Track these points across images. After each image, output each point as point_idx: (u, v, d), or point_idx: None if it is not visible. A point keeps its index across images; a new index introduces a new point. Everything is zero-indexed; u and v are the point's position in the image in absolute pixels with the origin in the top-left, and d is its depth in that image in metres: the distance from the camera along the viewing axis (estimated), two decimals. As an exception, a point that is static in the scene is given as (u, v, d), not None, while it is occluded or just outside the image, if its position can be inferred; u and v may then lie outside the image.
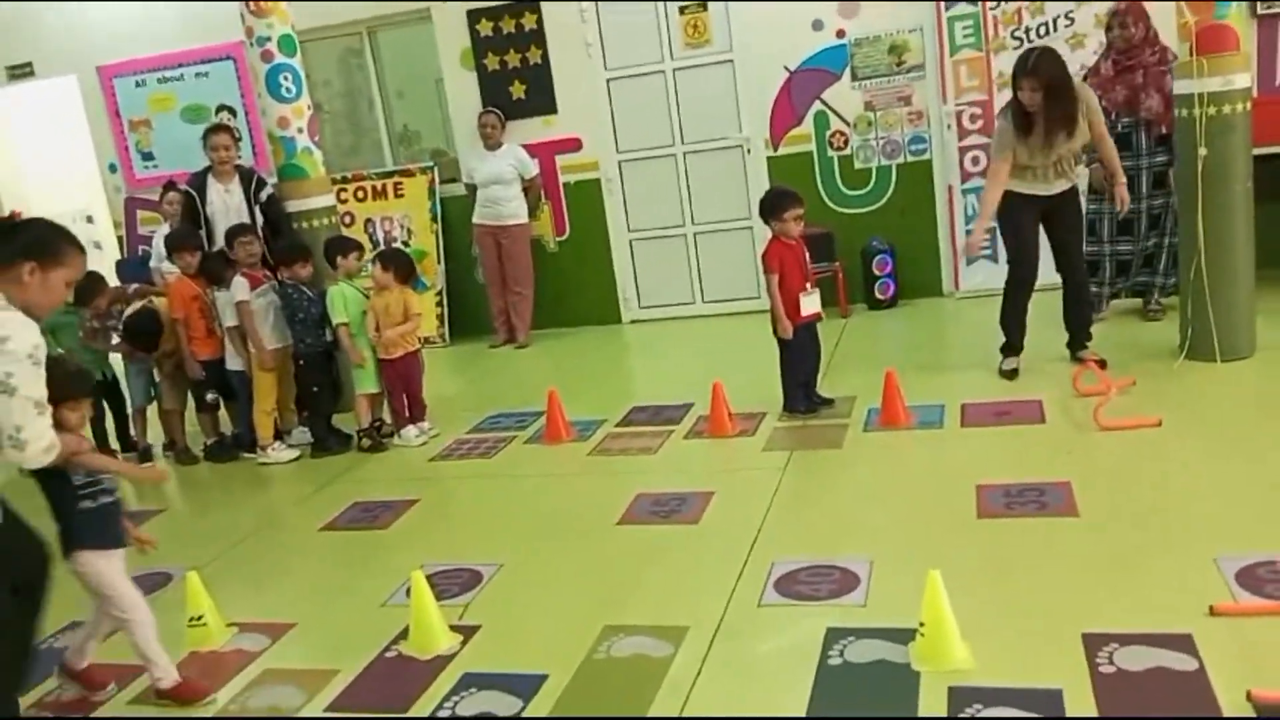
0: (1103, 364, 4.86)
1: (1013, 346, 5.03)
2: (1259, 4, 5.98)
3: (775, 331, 4.85)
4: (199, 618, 3.48)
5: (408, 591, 3.39)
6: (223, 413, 5.80)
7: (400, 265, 5.43)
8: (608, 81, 7.33)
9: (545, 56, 7.36)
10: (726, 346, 6.62)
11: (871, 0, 6.70)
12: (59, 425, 2.81)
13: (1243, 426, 4.11)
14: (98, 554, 3.00)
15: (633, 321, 7.65)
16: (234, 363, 5.50)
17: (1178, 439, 4.04)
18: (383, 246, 7.32)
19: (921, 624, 2.76)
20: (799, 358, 4.85)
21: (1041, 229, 4.96)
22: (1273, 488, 3.50)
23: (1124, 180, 4.94)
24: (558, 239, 7.66)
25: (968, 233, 5.54)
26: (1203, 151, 4.66)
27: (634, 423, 5.20)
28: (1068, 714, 2.46)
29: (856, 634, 2.93)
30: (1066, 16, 6.42)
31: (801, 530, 3.70)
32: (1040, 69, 4.61)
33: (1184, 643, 2.67)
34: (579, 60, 7.31)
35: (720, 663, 2.91)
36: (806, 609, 3.13)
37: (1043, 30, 6.48)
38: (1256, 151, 4.85)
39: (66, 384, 2.93)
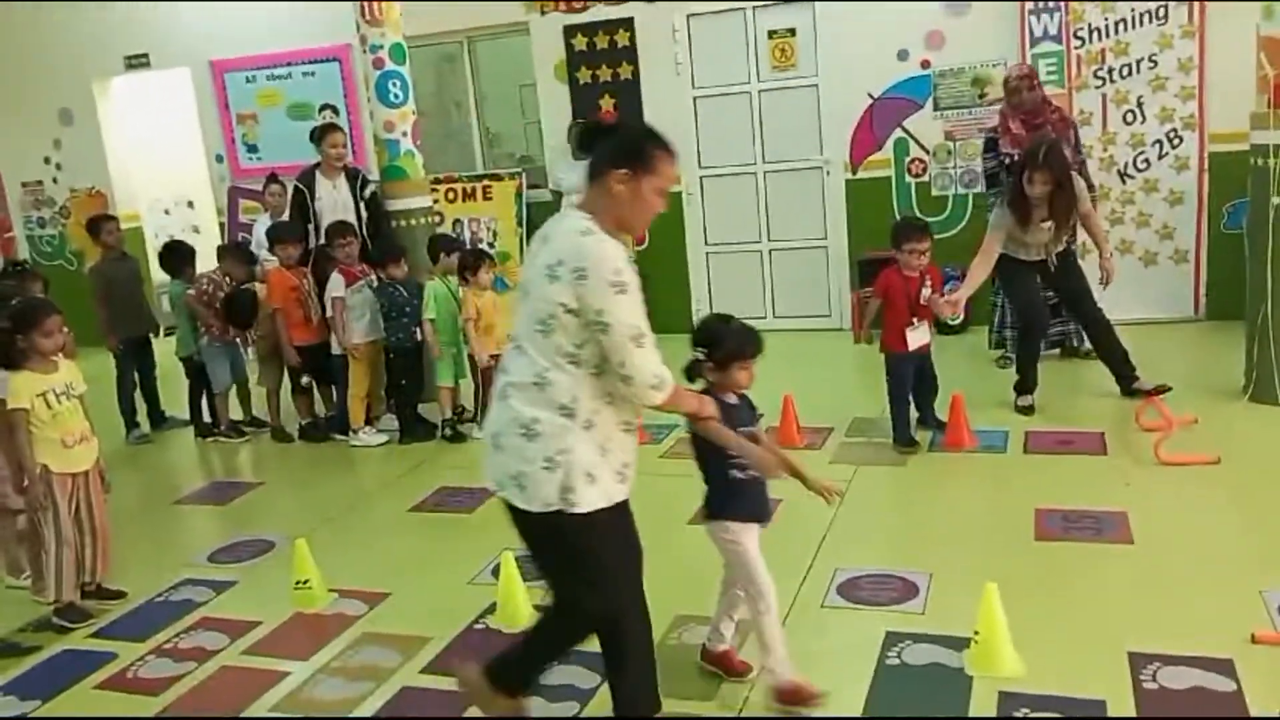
0: (1162, 390, 4.98)
1: (1027, 386, 5.22)
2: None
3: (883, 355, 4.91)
4: (305, 581, 3.80)
5: (494, 571, 3.70)
6: (317, 396, 6.16)
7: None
8: (694, 99, 7.59)
9: (636, 73, 7.64)
10: (796, 362, 6.81)
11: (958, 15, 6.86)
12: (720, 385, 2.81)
13: (1299, 469, 4.24)
14: (741, 525, 2.89)
15: (704, 332, 7.88)
16: (336, 349, 5.85)
17: (1234, 477, 4.18)
18: (468, 247, 7.64)
19: (976, 632, 2.97)
20: (900, 389, 4.88)
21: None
22: (1323, 530, 3.65)
23: (1110, 253, 5.19)
24: (637, 248, 7.93)
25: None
26: (1276, 200, 4.79)
27: (706, 429, 5.43)
28: (1109, 722, 2.66)
29: (914, 638, 3.16)
30: (1150, 59, 6.53)
31: (864, 540, 3.92)
32: (1053, 164, 4.81)
33: (1225, 666, 2.85)
34: (668, 77, 7.58)
35: (790, 655, 3.13)
36: (867, 613, 3.35)
37: (1125, 71, 6.60)
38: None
39: (743, 341, 2.88)
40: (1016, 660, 2.94)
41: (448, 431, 5.71)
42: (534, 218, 8.07)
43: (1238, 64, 5.33)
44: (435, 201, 8.03)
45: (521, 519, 2.49)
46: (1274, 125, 4.77)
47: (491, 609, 3.56)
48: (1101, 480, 4.27)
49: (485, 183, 8.25)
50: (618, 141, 2.49)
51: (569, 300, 2.35)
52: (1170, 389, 5.06)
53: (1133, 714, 2.69)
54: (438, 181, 8.12)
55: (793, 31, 7.28)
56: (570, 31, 7.74)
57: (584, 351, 2.40)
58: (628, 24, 7.59)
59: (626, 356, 2.38)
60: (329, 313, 5.75)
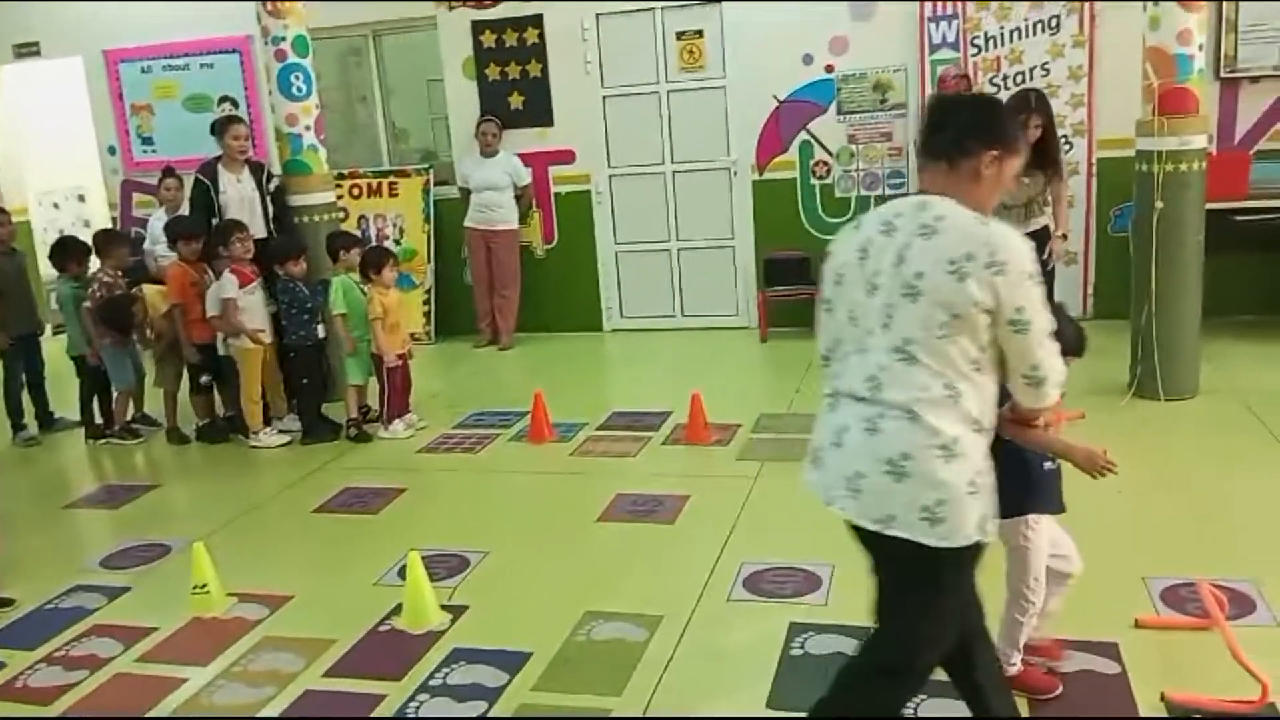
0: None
1: None
2: (1222, 69, 6.35)
3: None
4: (202, 586, 3.70)
5: (399, 572, 3.66)
6: (216, 396, 5.99)
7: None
8: (604, 98, 7.61)
9: (545, 70, 7.62)
10: (704, 359, 6.91)
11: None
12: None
13: (1179, 461, 4.45)
14: (1048, 519, 2.78)
15: (614, 330, 7.91)
16: (224, 349, 5.70)
17: (1119, 469, 4.34)
18: (373, 243, 7.52)
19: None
20: None
21: None
22: (1199, 518, 3.84)
23: (1064, 234, 5.39)
24: (546, 246, 7.92)
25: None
26: (1159, 205, 5.02)
27: (614, 427, 5.47)
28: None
29: (817, 629, 3.22)
30: (1043, 67, 6.78)
31: (770, 535, 3.98)
32: (1043, 108, 5.09)
33: (1110, 650, 2.98)
34: (577, 76, 7.58)
35: (692, 648, 3.18)
36: (772, 605, 3.41)
37: (1020, 78, 6.83)
38: (1210, 206, 5.20)
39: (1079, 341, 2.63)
40: (915, 648, 3.02)
41: (353, 431, 5.62)
42: (440, 215, 8.00)
43: (1126, 73, 5.54)
44: (339, 197, 7.89)
45: (910, 554, 2.11)
46: (1158, 132, 5.00)
47: (397, 610, 3.52)
48: (996, 473, 4.42)
49: (391, 179, 8.14)
50: (985, 118, 2.22)
51: (985, 298, 2.04)
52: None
53: (1024, 697, 2.79)
54: (342, 177, 7.98)
55: (700, 33, 7.35)
56: (479, 28, 7.69)
57: (986, 355, 2.12)
58: (537, 21, 7.57)
59: (1042, 357, 2.13)
60: (213, 313, 5.57)
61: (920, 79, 6.96)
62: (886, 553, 2.20)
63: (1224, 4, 6.25)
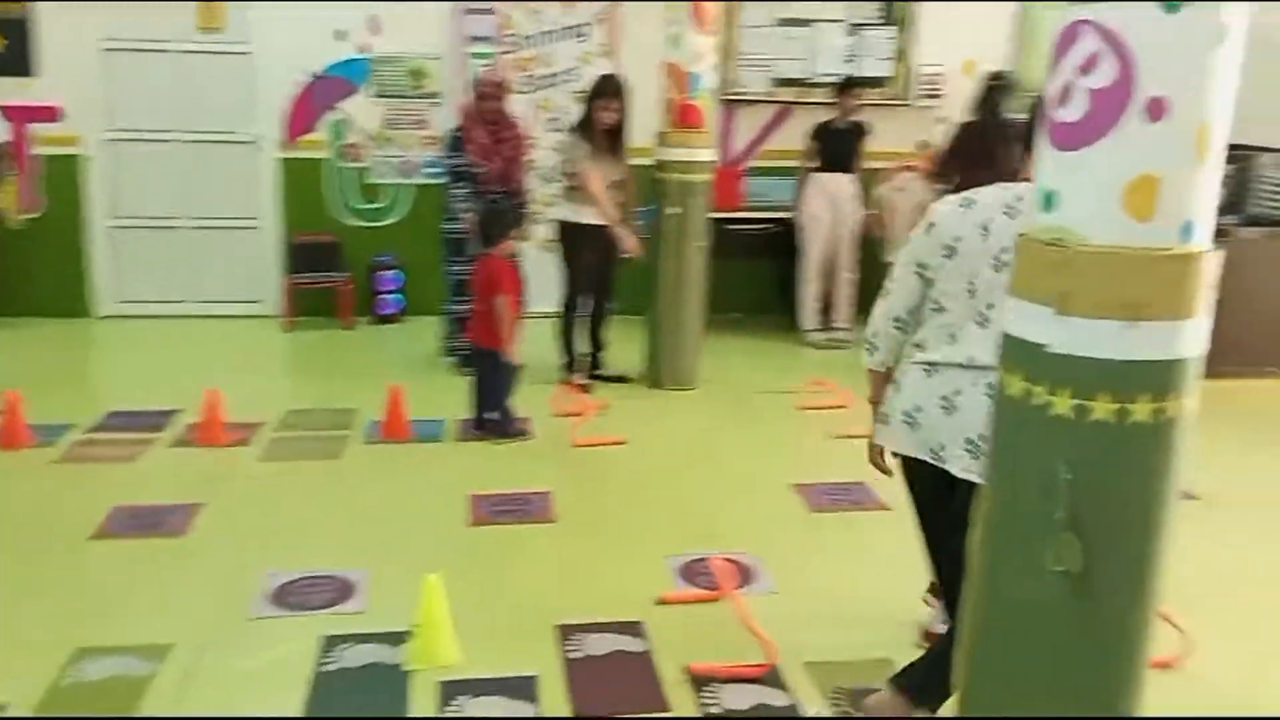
0: (586, 388, 5.42)
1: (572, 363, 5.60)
2: (723, 91, 7.04)
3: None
4: None
5: None
6: None
7: None
8: (104, 49, 6.66)
9: (28, 11, 6.50)
10: (220, 351, 6.31)
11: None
12: None
13: (686, 444, 4.84)
14: None
15: (108, 316, 6.96)
16: None
17: (638, 456, 4.65)
18: None
19: (415, 625, 2.92)
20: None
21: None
22: (706, 499, 4.18)
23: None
24: (25, 215, 6.76)
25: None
26: (673, 210, 5.43)
27: (109, 429, 4.77)
28: (541, 696, 2.77)
29: (353, 640, 3.02)
30: (572, 73, 7.07)
31: (298, 541, 3.69)
32: (622, 92, 5.33)
33: (635, 628, 3.13)
34: (71, 21, 6.55)
35: (208, 677, 2.83)
36: (302, 619, 3.15)
37: (550, 81, 7.06)
38: (713, 215, 5.73)
39: None
40: (455, 648, 2.94)
41: None
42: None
43: (650, 85, 5.89)
44: None
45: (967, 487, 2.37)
46: (673, 144, 5.40)
47: None
48: (527, 463, 4.50)
49: None
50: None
51: None
52: (629, 380, 5.62)
53: (563, 683, 2.83)
54: None
55: (218, -9, 6.70)
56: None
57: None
58: (15, -49, 6.43)
59: None
60: None
61: (458, 69, 6.93)
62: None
63: (730, 32, 6.93)
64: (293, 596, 3.27)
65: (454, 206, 5.50)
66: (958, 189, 6.07)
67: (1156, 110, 1.62)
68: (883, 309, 2.62)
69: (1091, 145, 1.66)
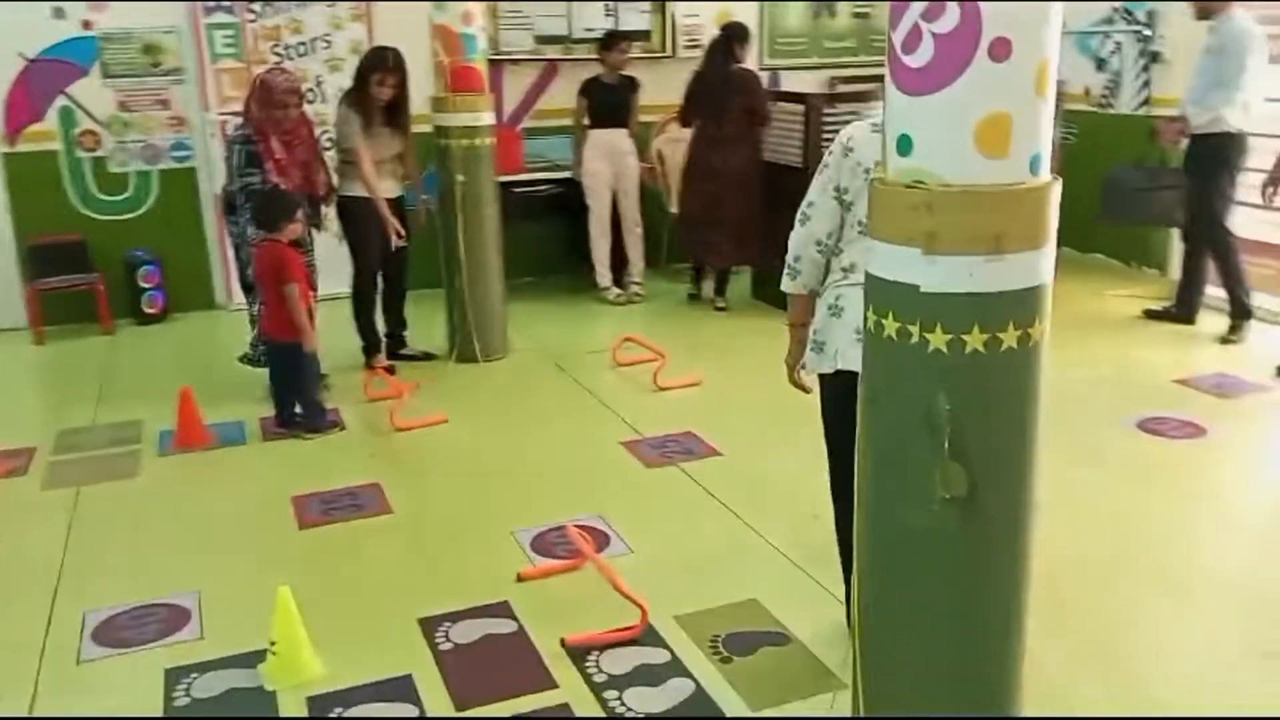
0: (391, 370, 5.22)
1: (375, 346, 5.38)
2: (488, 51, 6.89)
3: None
4: None
5: None
6: None
7: None
8: None
9: None
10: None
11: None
12: None
13: (510, 416, 4.77)
14: None
15: None
16: None
17: (463, 432, 4.55)
18: None
19: (273, 643, 2.75)
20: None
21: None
22: (541, 468, 4.15)
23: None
24: None
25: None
26: (461, 178, 5.28)
27: None
28: (421, 694, 2.68)
29: (199, 669, 2.81)
30: (325, 39, 6.70)
31: (111, 572, 3.37)
32: (401, 68, 5.06)
33: (502, 609, 3.07)
34: None
35: (46, 733, 2.56)
36: (137, 655, 2.89)
37: (302, 50, 6.67)
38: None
39: None
40: (316, 661, 2.79)
41: None
42: None
43: (413, 48, 5.65)
44: None
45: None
46: (452, 109, 5.24)
47: None
48: (347, 455, 4.31)
49: None
50: None
51: None
52: (435, 356, 5.47)
53: (439, 678, 2.75)
54: None
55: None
56: None
57: None
58: None
59: None
60: None
61: (196, 41, 6.41)
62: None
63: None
64: (121, 632, 2.99)
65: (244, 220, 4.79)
66: (698, 134, 6.38)
67: (1001, 50, 1.71)
68: (803, 234, 2.65)
69: (941, 89, 1.75)
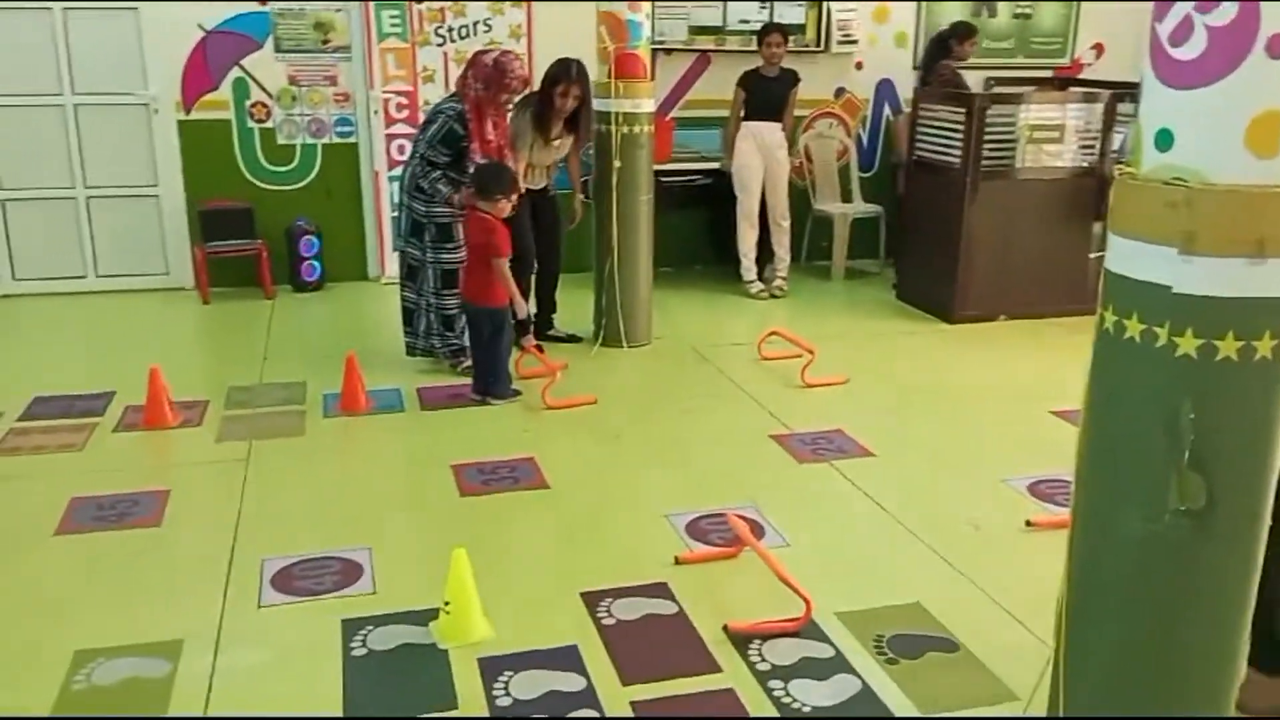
0: (541, 349, 5.29)
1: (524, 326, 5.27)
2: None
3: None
4: None
5: None
6: None
7: None
8: (-30, 8, 6.10)
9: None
10: (136, 327, 5.93)
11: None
12: None
13: (657, 402, 4.79)
14: None
15: (4, 296, 6.46)
16: None
17: (611, 414, 4.58)
18: None
19: (447, 602, 2.82)
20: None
21: None
22: (691, 456, 4.15)
23: (582, 198, 5.55)
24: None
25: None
26: (617, 163, 5.32)
27: (40, 416, 4.44)
28: (586, 666, 2.71)
29: (374, 622, 2.89)
30: (485, 23, 6.83)
31: (285, 523, 3.50)
32: (585, 79, 5.06)
33: (662, 590, 3.08)
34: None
35: (234, 671, 2.67)
36: (314, 604, 3.00)
37: (464, 31, 6.81)
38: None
39: None
40: (486, 624, 2.85)
41: None
42: None
43: (574, 34, 5.71)
44: None
45: None
46: (615, 95, 5.28)
47: None
48: (501, 429, 4.38)
49: None
50: None
51: None
52: (580, 339, 5.54)
53: (603, 651, 2.77)
54: None
55: (99, -61, 6.21)
56: None
57: None
58: None
59: None
60: None
61: (365, 21, 6.61)
62: None
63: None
64: (297, 581, 3.11)
65: (433, 189, 4.82)
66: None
67: (1278, 47, 1.64)
68: None
69: (1212, 84, 1.68)
